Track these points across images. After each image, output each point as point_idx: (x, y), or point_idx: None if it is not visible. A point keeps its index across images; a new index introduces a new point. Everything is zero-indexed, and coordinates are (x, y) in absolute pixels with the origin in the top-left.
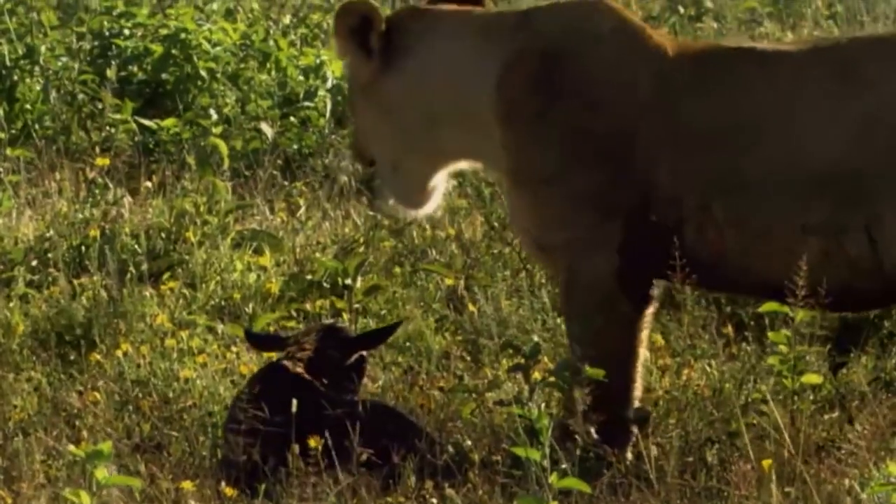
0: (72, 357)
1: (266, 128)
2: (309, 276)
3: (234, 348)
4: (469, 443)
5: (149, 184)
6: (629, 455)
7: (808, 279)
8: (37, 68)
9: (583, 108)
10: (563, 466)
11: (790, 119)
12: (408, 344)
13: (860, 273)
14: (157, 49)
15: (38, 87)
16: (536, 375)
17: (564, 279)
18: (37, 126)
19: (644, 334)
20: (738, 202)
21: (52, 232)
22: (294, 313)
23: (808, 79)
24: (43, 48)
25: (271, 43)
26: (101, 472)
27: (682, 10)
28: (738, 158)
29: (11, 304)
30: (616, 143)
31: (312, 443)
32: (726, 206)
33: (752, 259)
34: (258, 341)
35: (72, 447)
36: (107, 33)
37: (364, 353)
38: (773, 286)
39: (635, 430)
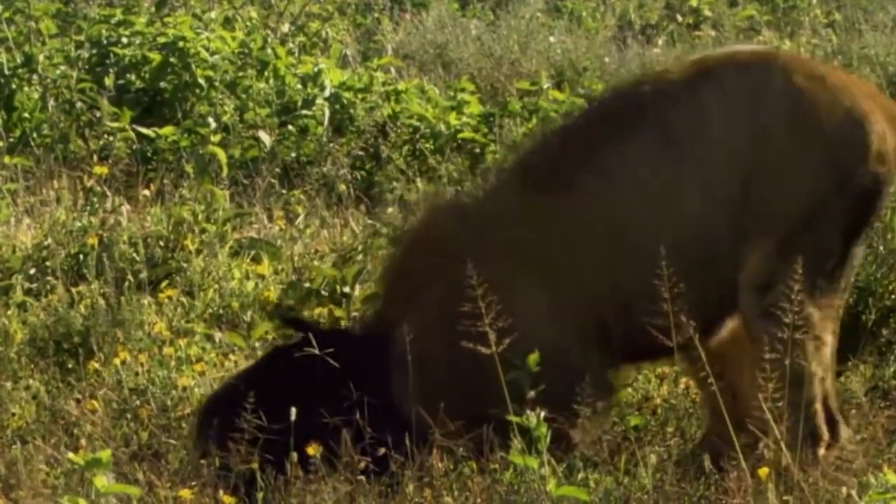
0: (70, 365)
1: (264, 136)
2: (307, 285)
3: (232, 356)
4: None
5: (147, 192)
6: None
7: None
8: (35, 76)
9: None
10: (561, 474)
11: (624, 207)
12: None
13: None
14: (156, 57)
15: (36, 96)
16: None
17: None
18: (35, 134)
19: None
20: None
21: (50, 240)
22: None
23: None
24: (41, 56)
25: (269, 51)
26: (100, 480)
27: (680, 18)
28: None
29: (9, 312)
30: None
31: (311, 450)
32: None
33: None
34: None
35: (70, 455)
36: (105, 42)
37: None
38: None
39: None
